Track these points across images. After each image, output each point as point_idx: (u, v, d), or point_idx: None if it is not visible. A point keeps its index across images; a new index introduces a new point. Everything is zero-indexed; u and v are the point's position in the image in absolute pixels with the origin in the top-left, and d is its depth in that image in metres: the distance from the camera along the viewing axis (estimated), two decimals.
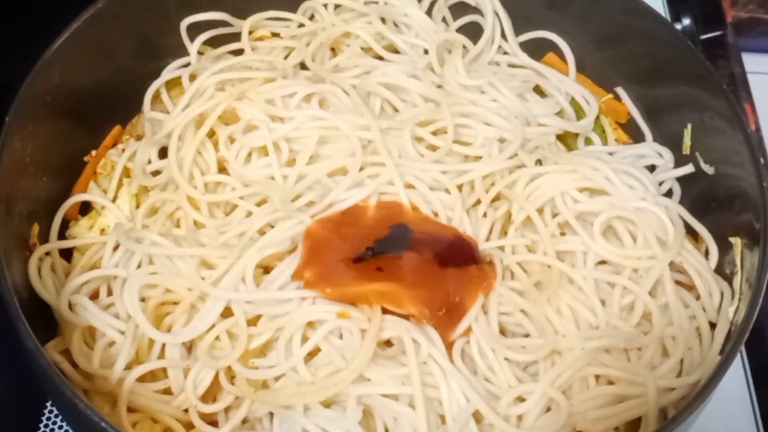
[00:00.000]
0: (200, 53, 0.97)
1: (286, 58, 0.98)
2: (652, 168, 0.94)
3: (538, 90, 0.99)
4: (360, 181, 0.86)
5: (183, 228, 0.85)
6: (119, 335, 0.79)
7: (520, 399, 0.77)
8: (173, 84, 0.95)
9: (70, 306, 0.81)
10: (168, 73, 0.95)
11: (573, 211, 0.87)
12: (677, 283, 0.84)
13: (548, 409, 0.77)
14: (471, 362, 0.80)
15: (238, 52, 0.98)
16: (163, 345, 0.79)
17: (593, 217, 0.86)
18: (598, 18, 0.98)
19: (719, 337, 0.80)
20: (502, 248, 0.86)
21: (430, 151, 0.90)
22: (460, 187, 0.88)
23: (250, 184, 0.87)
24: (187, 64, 0.96)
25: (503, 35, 1.01)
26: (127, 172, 0.92)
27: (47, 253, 0.84)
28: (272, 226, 0.83)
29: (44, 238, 0.85)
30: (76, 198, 0.90)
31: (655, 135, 0.97)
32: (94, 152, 0.93)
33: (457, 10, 1.03)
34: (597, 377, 0.79)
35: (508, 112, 0.93)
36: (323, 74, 0.94)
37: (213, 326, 0.78)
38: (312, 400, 0.75)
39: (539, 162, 0.91)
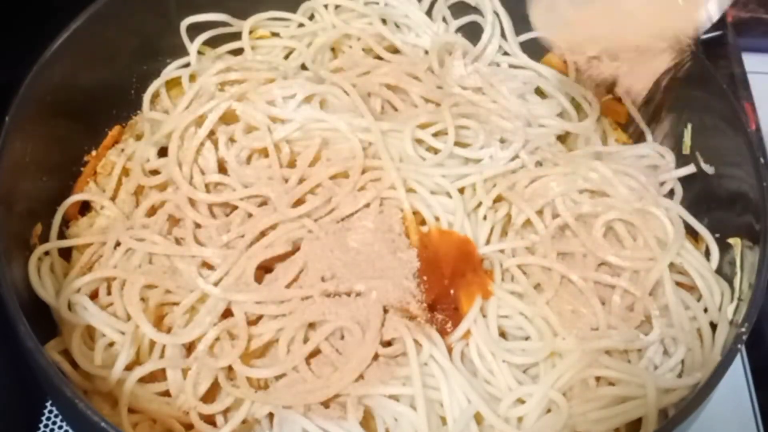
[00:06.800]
0: (200, 53, 0.97)
1: (286, 57, 0.98)
2: (653, 168, 0.93)
3: (539, 90, 0.99)
4: (362, 185, 0.86)
5: (183, 228, 0.85)
6: (119, 335, 0.79)
7: (521, 401, 0.77)
8: (173, 84, 0.95)
9: (70, 306, 0.80)
10: (168, 73, 0.95)
11: (573, 213, 0.86)
12: (678, 284, 0.84)
13: (548, 411, 0.77)
14: (471, 365, 0.79)
15: (238, 52, 0.98)
16: (164, 346, 0.79)
17: (593, 219, 0.86)
18: None
19: (720, 337, 0.80)
20: (501, 251, 0.85)
21: (431, 153, 0.90)
22: (461, 191, 0.87)
23: (250, 186, 0.86)
24: (187, 64, 0.96)
25: (503, 35, 1.01)
26: (126, 172, 0.92)
27: (47, 253, 0.84)
28: (273, 228, 0.83)
29: (44, 238, 0.85)
30: (76, 197, 0.89)
31: (655, 135, 0.97)
32: (94, 152, 0.93)
33: (457, 10, 1.03)
34: (597, 379, 0.79)
35: (509, 113, 0.93)
36: (324, 74, 0.94)
37: (213, 326, 0.78)
38: (313, 400, 0.75)
39: (539, 164, 0.91)
